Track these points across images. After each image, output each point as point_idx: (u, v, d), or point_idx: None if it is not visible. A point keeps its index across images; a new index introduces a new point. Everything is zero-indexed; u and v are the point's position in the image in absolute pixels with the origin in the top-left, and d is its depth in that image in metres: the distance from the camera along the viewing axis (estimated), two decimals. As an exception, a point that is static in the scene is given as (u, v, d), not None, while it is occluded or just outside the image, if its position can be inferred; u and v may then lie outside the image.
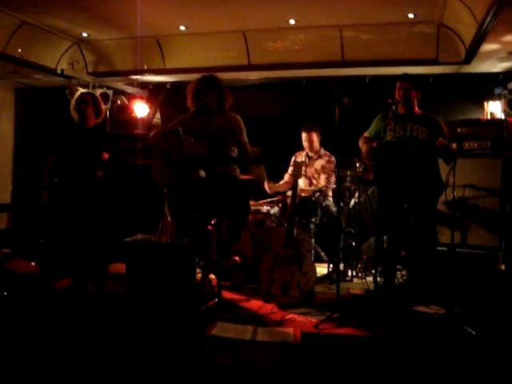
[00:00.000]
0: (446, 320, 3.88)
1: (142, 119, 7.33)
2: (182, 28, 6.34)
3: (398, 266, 4.88)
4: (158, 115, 7.74)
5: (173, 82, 7.45)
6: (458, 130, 5.46)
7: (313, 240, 5.42)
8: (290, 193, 5.47)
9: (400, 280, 4.87)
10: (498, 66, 6.18)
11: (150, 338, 3.47)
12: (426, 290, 4.50)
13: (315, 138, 6.01)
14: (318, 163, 6.01)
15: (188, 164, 4.31)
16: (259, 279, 4.70)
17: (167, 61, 6.98)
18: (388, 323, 3.86)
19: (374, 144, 4.67)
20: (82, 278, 4.59)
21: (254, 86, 7.35)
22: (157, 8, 5.66)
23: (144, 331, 3.57)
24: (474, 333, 3.59)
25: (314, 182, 5.99)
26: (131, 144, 5.81)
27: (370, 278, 5.13)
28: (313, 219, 5.48)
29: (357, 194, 5.67)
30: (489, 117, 6.34)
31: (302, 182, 5.93)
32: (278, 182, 6.11)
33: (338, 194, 4.43)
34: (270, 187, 5.92)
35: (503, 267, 4.93)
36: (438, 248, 4.87)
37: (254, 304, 4.45)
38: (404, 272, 4.97)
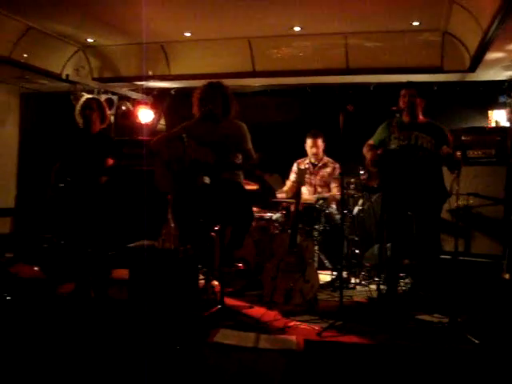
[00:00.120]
0: (450, 329, 3.86)
1: (147, 125, 7.33)
2: (187, 34, 6.35)
3: (401, 274, 4.87)
4: (162, 121, 7.75)
5: (178, 88, 7.47)
6: (463, 138, 5.46)
7: (316, 247, 5.41)
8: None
9: (403, 288, 4.86)
10: (502, 75, 6.18)
11: (152, 344, 3.46)
12: (430, 298, 4.49)
13: (321, 144, 6.03)
14: (324, 171, 6.01)
15: (193, 170, 4.31)
16: (262, 286, 4.69)
17: (172, 67, 7.00)
18: (391, 331, 3.85)
19: (379, 151, 4.66)
20: (85, 284, 4.59)
21: (258, 92, 7.36)
22: (162, 14, 5.68)
23: (146, 337, 3.56)
24: (477, 342, 3.58)
25: (319, 189, 5.99)
26: (135, 150, 5.82)
27: (373, 286, 5.12)
28: (316, 226, 5.48)
29: (360, 202, 5.67)
30: (493, 125, 6.34)
31: (305, 190, 5.93)
32: (281, 188, 6.13)
33: (342, 202, 4.42)
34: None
35: (507, 276, 4.90)
36: (442, 256, 4.86)
37: (257, 311, 4.44)
38: (407, 280, 4.96)
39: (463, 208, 5.16)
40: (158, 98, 7.67)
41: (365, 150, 4.87)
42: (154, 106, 7.49)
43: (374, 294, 4.69)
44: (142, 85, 7.32)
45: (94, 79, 7.20)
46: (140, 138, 6.87)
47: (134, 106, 7.34)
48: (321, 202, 5.55)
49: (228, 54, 6.69)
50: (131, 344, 3.47)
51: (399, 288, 4.73)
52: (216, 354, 3.38)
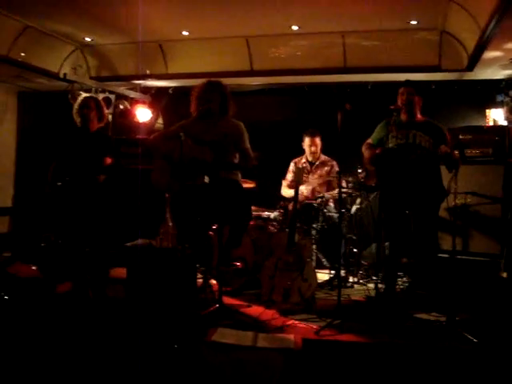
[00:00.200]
0: (447, 327, 3.86)
1: (145, 124, 7.33)
2: (185, 33, 6.35)
3: (399, 273, 4.88)
4: (160, 120, 7.75)
5: (175, 87, 7.46)
6: (460, 136, 5.48)
7: (314, 246, 5.41)
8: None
9: (401, 287, 4.86)
10: (500, 73, 6.19)
11: (150, 343, 3.46)
12: (428, 296, 4.49)
13: (319, 142, 6.04)
14: (323, 170, 6.01)
15: (192, 169, 4.31)
16: (260, 285, 4.68)
17: (170, 66, 6.99)
18: (389, 330, 3.85)
19: (378, 151, 4.66)
20: (83, 283, 4.59)
21: (256, 91, 7.35)
22: (160, 13, 5.68)
23: (144, 336, 3.56)
24: (475, 340, 3.58)
25: (317, 188, 5.99)
26: (133, 149, 5.82)
27: (371, 285, 5.13)
28: (314, 225, 5.48)
29: (358, 200, 5.67)
30: (491, 124, 6.35)
31: (303, 189, 5.93)
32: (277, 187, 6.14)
33: (340, 200, 4.42)
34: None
35: (505, 275, 4.91)
36: (440, 255, 4.86)
37: (255, 310, 4.44)
38: (405, 279, 4.96)
39: (461, 207, 5.16)
40: (155, 97, 7.67)
41: (363, 148, 4.87)
42: (151, 105, 7.49)
43: (372, 293, 4.68)
44: (139, 84, 7.32)
45: (91, 78, 7.19)
46: (137, 137, 6.87)
47: (131, 105, 7.33)
48: (319, 200, 5.54)
49: (226, 53, 6.68)
50: (129, 343, 3.47)
51: (397, 287, 4.74)
52: (214, 353, 3.38)
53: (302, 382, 3.04)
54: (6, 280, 4.94)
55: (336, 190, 5.65)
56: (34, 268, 5.55)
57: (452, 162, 4.18)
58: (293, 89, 7.26)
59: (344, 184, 5.54)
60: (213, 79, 4.70)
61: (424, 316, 4.24)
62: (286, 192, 5.98)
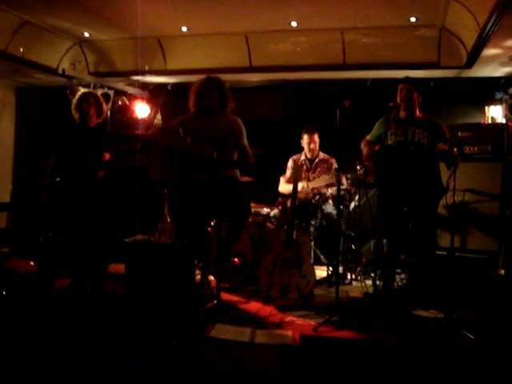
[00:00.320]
0: (445, 324, 3.88)
1: (143, 120, 7.32)
2: (184, 29, 6.33)
3: (397, 270, 4.88)
4: (158, 116, 7.73)
5: (174, 83, 7.44)
6: (459, 134, 5.48)
7: (312, 243, 5.42)
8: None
9: (399, 284, 4.87)
10: (499, 71, 6.18)
11: (148, 339, 3.46)
12: (426, 293, 4.50)
13: (317, 139, 6.03)
14: (322, 167, 6.01)
15: (193, 165, 4.30)
16: (258, 281, 4.69)
17: (168, 62, 6.97)
18: (387, 327, 3.86)
19: (377, 147, 4.66)
20: (81, 278, 4.59)
21: (255, 87, 7.34)
22: (159, 9, 5.65)
23: (142, 332, 3.57)
24: (472, 337, 3.59)
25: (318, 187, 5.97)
26: (131, 145, 5.81)
27: (369, 282, 5.14)
28: (312, 222, 5.48)
29: (357, 197, 5.67)
30: (489, 121, 6.34)
31: (304, 185, 5.91)
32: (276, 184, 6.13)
33: (338, 197, 4.43)
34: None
35: (503, 272, 4.92)
36: (438, 252, 4.87)
37: (253, 306, 4.45)
38: (403, 276, 4.97)
39: (459, 204, 5.17)
40: (154, 93, 7.65)
41: (362, 144, 4.87)
42: (150, 101, 7.48)
43: (370, 290, 4.69)
44: (138, 79, 7.29)
45: (90, 74, 7.16)
46: (136, 132, 6.86)
47: (130, 100, 7.33)
48: (317, 197, 5.54)
49: (225, 49, 6.66)
50: (127, 338, 3.47)
51: (395, 284, 4.74)
52: (212, 349, 3.39)
53: (300, 379, 3.04)
54: (4, 275, 4.94)
55: (335, 187, 5.66)
56: (32, 263, 5.55)
57: (451, 160, 4.18)
58: (292, 85, 7.24)
59: (343, 181, 5.55)
60: (212, 75, 4.69)
61: (422, 313, 4.25)
62: (284, 187, 5.97)
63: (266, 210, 5.93)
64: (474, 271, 4.79)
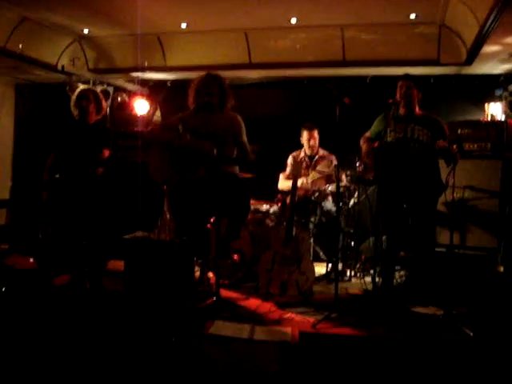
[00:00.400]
0: (444, 321, 3.88)
1: (143, 117, 7.30)
2: (184, 25, 6.31)
3: (396, 267, 4.88)
4: (158, 113, 7.72)
5: (173, 80, 7.43)
6: (459, 131, 5.48)
7: (312, 239, 5.42)
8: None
9: (398, 280, 4.87)
10: (499, 68, 6.17)
11: (147, 336, 3.46)
12: (425, 290, 4.50)
13: (316, 136, 6.03)
14: (321, 164, 6.00)
15: (192, 162, 4.30)
16: (258, 278, 4.70)
17: (168, 58, 6.96)
18: (386, 324, 3.86)
19: (376, 144, 4.66)
20: (81, 275, 4.59)
21: (254, 84, 7.33)
22: (158, 5, 5.65)
23: (142, 329, 3.57)
24: (471, 334, 3.59)
25: (317, 182, 5.97)
26: (131, 141, 5.80)
27: (368, 278, 5.14)
28: (312, 219, 5.48)
29: (356, 194, 5.67)
30: (489, 118, 6.33)
31: (303, 182, 5.91)
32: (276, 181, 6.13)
33: (338, 194, 4.42)
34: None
35: (502, 269, 4.93)
36: (437, 249, 4.87)
37: (253, 303, 4.45)
38: (402, 272, 4.97)
39: (459, 201, 5.17)
40: (153, 90, 7.64)
41: (361, 142, 4.87)
42: (149, 98, 7.46)
43: (370, 287, 4.70)
44: (137, 76, 7.29)
45: (89, 70, 7.15)
46: (135, 129, 6.85)
47: (129, 97, 7.32)
48: (316, 194, 5.54)
49: (224, 46, 6.65)
50: (126, 335, 3.47)
51: (394, 280, 4.74)
52: (211, 346, 3.39)
53: (299, 375, 3.04)
54: (3, 272, 4.94)
55: (334, 184, 5.66)
56: (31, 260, 5.55)
57: (450, 157, 4.18)
58: (291, 82, 7.23)
59: (342, 178, 5.55)
60: (212, 72, 4.68)
61: (421, 310, 4.26)
62: (284, 184, 5.97)
63: (265, 207, 5.93)
64: (474, 268, 4.79)
